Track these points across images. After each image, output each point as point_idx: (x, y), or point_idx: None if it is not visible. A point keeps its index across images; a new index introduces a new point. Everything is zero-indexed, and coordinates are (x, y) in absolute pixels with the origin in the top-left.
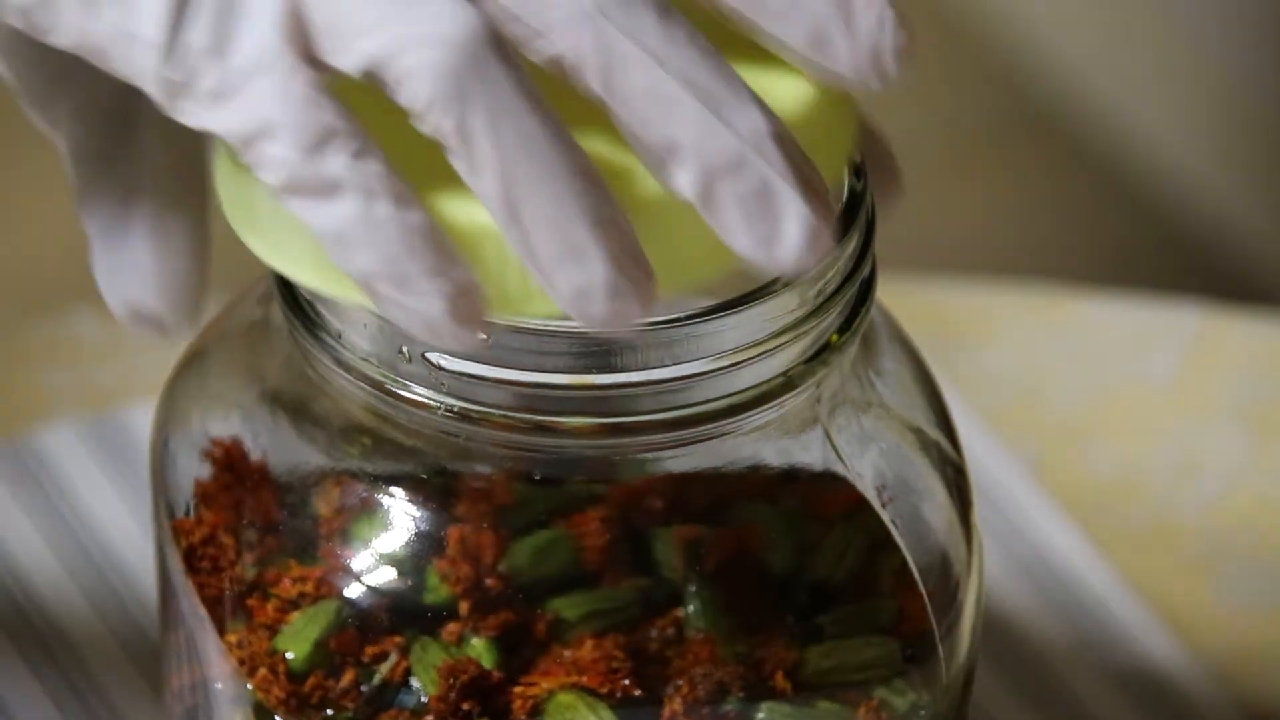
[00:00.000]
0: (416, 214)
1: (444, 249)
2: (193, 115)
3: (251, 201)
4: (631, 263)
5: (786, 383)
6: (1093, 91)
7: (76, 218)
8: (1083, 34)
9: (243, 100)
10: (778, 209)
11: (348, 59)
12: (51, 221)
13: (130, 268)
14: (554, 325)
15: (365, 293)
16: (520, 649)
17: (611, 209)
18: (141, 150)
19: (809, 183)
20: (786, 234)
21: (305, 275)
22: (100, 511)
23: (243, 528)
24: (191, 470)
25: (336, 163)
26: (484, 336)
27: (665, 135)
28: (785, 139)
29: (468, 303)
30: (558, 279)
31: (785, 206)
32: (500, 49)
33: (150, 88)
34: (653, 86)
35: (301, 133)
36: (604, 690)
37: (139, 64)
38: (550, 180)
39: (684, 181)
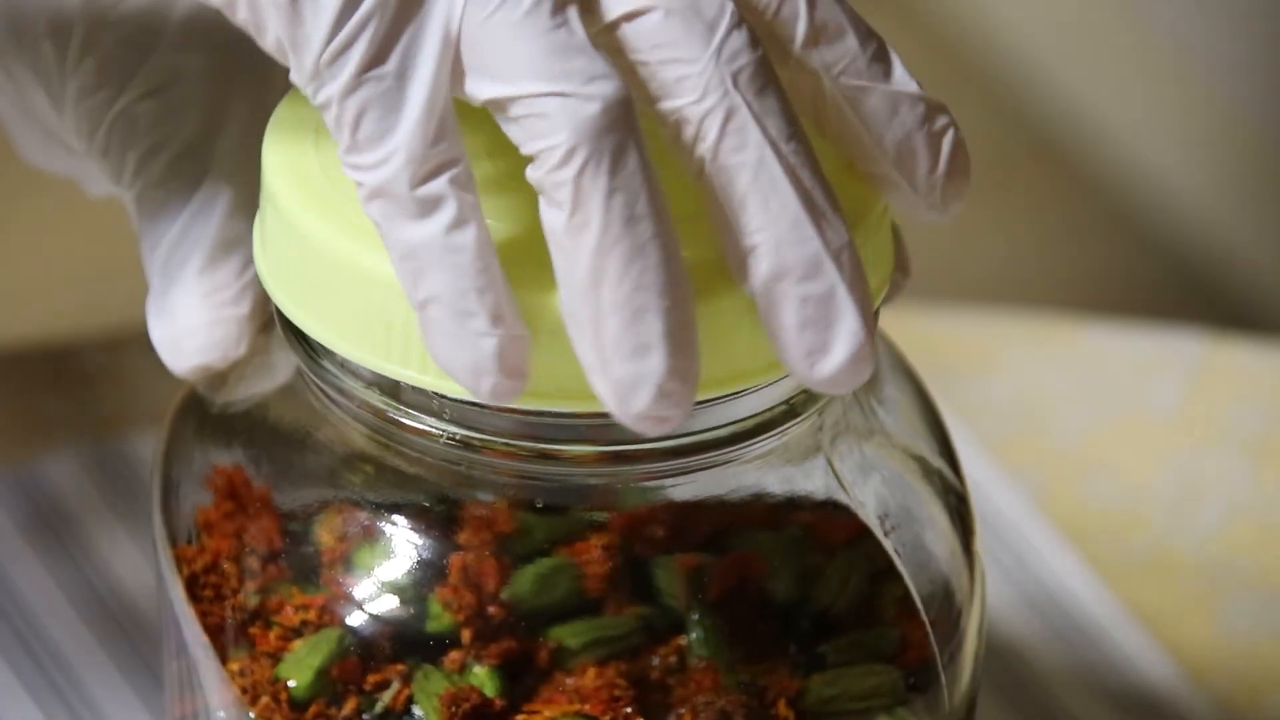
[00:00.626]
0: (493, 254)
1: (509, 295)
2: (325, 98)
3: (287, 259)
4: (684, 375)
5: (789, 411)
6: (1095, 121)
7: (79, 247)
8: (1086, 65)
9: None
10: (835, 323)
11: (487, 90)
12: (54, 250)
13: (182, 315)
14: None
15: (421, 322)
16: (522, 677)
17: (689, 312)
18: (204, 200)
19: (867, 303)
20: (836, 350)
21: (337, 339)
22: (102, 539)
23: (245, 555)
24: (193, 498)
25: (439, 184)
26: (518, 392)
27: (756, 221)
28: (857, 256)
29: (517, 354)
30: (614, 364)
31: (842, 322)
32: (635, 118)
33: (298, 78)
34: (761, 170)
35: (421, 161)
36: (606, 718)
37: (300, 58)
38: (642, 262)
39: (757, 271)
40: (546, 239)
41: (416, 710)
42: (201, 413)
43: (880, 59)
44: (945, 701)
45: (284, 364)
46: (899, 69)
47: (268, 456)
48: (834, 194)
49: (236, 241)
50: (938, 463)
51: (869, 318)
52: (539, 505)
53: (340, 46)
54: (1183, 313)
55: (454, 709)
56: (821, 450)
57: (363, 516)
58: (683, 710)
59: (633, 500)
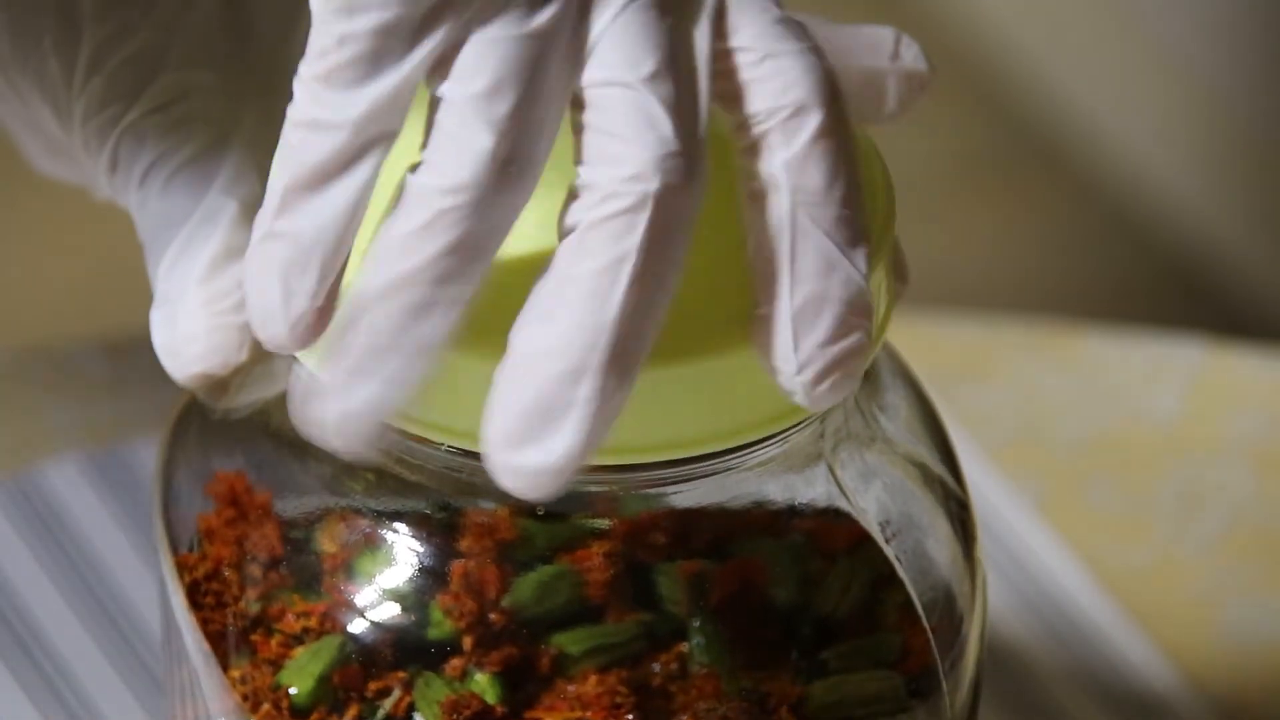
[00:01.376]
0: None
1: (336, 283)
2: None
3: None
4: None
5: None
6: (1095, 127)
7: (81, 254)
8: (1086, 70)
9: None
10: (852, 353)
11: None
12: (57, 257)
13: (183, 322)
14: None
15: (258, 240)
16: (524, 684)
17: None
18: (208, 211)
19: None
20: (840, 372)
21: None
22: (103, 547)
23: (246, 562)
24: (195, 505)
25: (370, 135)
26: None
27: (827, 239)
28: (868, 296)
29: (313, 331)
30: (512, 449)
31: (857, 354)
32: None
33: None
34: (828, 198)
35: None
36: None
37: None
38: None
39: (798, 291)
40: None
41: (418, 717)
42: (203, 420)
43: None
44: (947, 708)
45: (285, 371)
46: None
47: (269, 463)
48: (868, 237)
49: (240, 251)
50: (939, 469)
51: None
52: (540, 512)
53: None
54: (1183, 319)
55: (455, 716)
56: (823, 457)
57: (364, 524)
58: (685, 717)
59: (634, 507)
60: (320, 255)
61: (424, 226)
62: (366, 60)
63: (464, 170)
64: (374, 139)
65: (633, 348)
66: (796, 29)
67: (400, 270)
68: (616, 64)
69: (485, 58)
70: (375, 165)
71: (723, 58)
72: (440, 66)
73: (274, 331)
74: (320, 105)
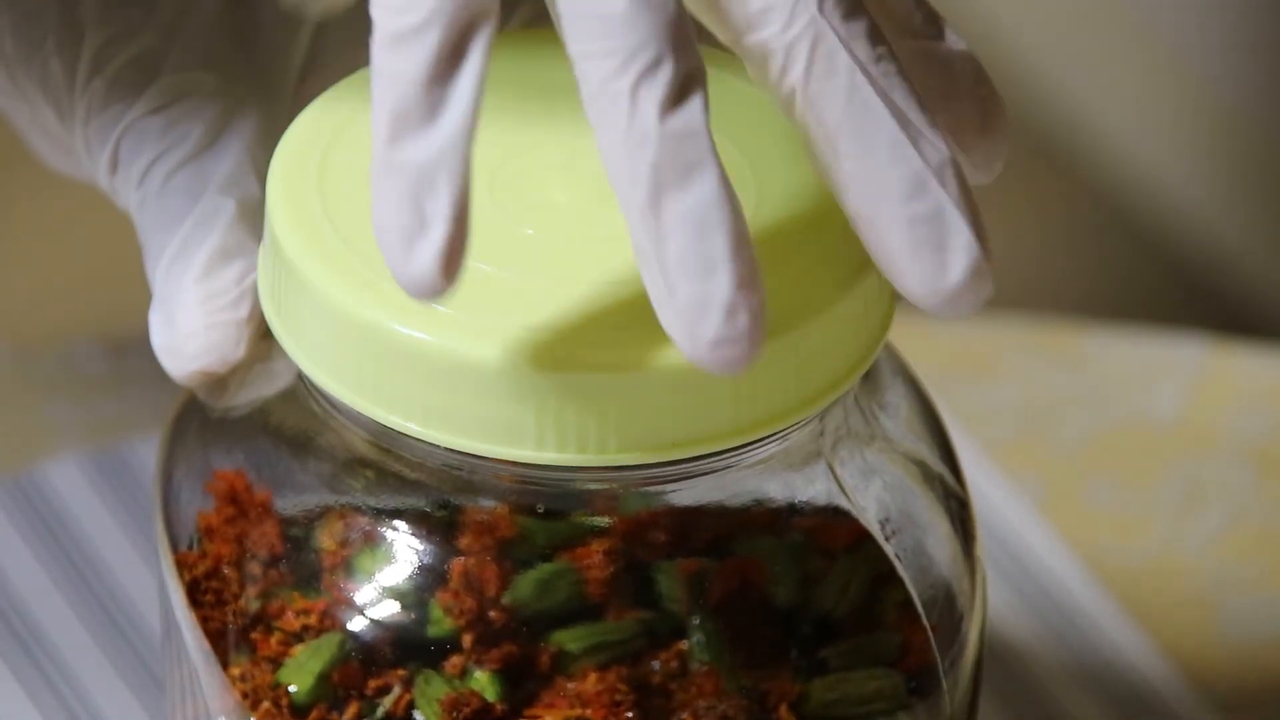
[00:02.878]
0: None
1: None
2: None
3: (294, 306)
4: (751, 288)
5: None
6: (1096, 126)
7: (81, 252)
8: (1087, 68)
9: None
10: (948, 240)
11: None
12: (54, 254)
13: (181, 320)
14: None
15: (379, 162)
16: (523, 682)
17: (746, 234)
18: (207, 210)
19: (978, 219)
20: (953, 267)
21: (334, 383)
22: (102, 545)
23: (246, 560)
24: (195, 503)
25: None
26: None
27: (853, 146)
28: (961, 172)
29: (455, 257)
30: (679, 286)
31: (955, 238)
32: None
33: None
34: (854, 94)
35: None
36: None
37: None
38: (700, 182)
39: (860, 196)
40: (603, 160)
41: (418, 715)
42: (202, 418)
43: (933, 20)
44: (947, 706)
45: (285, 369)
46: (950, 31)
47: (269, 462)
48: (930, 112)
49: (238, 250)
50: (939, 468)
51: (982, 233)
52: (540, 510)
53: None
54: (1184, 318)
55: (455, 714)
56: (822, 455)
57: (364, 522)
58: (684, 715)
59: (634, 505)
60: (449, 174)
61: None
62: None
63: None
64: (472, 21)
65: None
66: None
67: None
68: None
69: None
70: (484, 53)
71: None
72: None
73: (418, 272)
74: (400, 9)
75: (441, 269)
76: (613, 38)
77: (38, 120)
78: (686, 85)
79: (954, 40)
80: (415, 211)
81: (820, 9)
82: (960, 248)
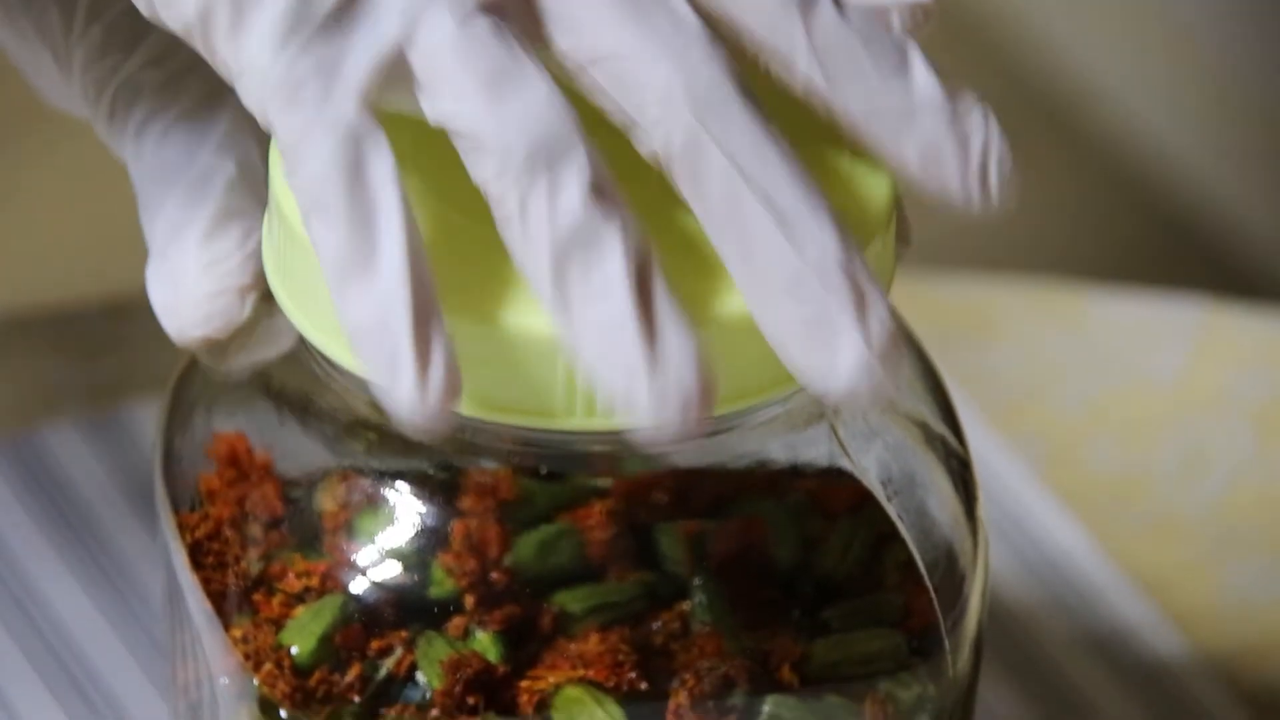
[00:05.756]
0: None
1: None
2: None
3: (298, 271)
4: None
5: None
6: (1097, 89)
7: (82, 213)
8: (1092, 33)
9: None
10: (834, 340)
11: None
12: (55, 216)
13: (184, 285)
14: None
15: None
16: (525, 643)
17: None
18: (205, 170)
19: (870, 311)
20: (840, 367)
21: (334, 346)
22: (103, 508)
23: (247, 522)
24: (196, 466)
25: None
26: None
27: (736, 248)
28: (852, 263)
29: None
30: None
31: (840, 337)
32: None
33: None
34: (731, 195)
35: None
36: (610, 684)
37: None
38: (609, 258)
39: (747, 296)
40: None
41: (419, 676)
42: (204, 380)
43: (899, 71)
44: (949, 666)
45: (286, 331)
46: (920, 71)
47: (270, 424)
48: (819, 204)
49: (239, 213)
50: (940, 429)
51: (877, 318)
52: (541, 472)
53: None
54: (1185, 280)
55: (457, 674)
56: (824, 416)
57: (365, 483)
58: (686, 675)
59: (635, 467)
60: (403, 318)
61: None
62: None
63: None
64: (359, 151)
65: None
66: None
67: None
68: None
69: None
70: (390, 178)
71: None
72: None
73: (422, 412)
74: (297, 182)
75: (439, 405)
76: (482, 148)
77: (37, 64)
78: (567, 177)
79: (924, 84)
80: (390, 362)
81: (694, 110)
82: (846, 347)
